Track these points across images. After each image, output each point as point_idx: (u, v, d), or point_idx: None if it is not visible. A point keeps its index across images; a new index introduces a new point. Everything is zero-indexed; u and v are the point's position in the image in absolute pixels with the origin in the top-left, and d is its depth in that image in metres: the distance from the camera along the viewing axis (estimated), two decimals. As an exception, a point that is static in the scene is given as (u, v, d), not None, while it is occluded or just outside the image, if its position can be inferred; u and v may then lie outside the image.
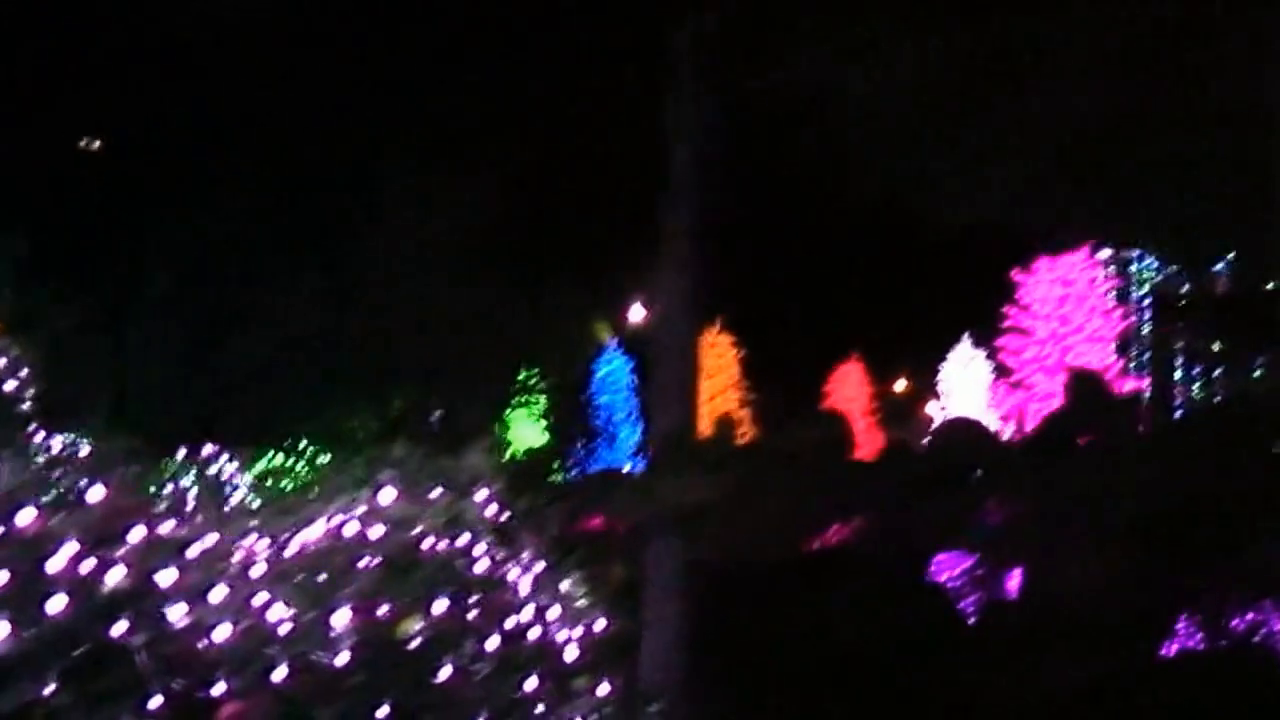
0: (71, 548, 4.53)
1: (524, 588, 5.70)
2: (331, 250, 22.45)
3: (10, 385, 12.51)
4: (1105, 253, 33.66)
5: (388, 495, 5.62)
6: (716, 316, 35.45)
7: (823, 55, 9.13)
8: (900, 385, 41.68)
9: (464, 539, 5.60)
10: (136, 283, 21.12)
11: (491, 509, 5.75)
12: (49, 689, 4.31)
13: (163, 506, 5.64)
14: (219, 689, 4.47)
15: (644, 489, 5.97)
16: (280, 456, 17.62)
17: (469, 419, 26.49)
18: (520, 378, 32.16)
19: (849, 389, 36.98)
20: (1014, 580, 18.89)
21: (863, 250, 29.68)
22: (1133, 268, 34.63)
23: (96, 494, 4.75)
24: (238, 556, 4.93)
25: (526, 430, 32.81)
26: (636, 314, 35.58)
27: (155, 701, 4.41)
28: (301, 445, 18.84)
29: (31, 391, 12.55)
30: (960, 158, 10.09)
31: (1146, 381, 33.83)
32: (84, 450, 11.29)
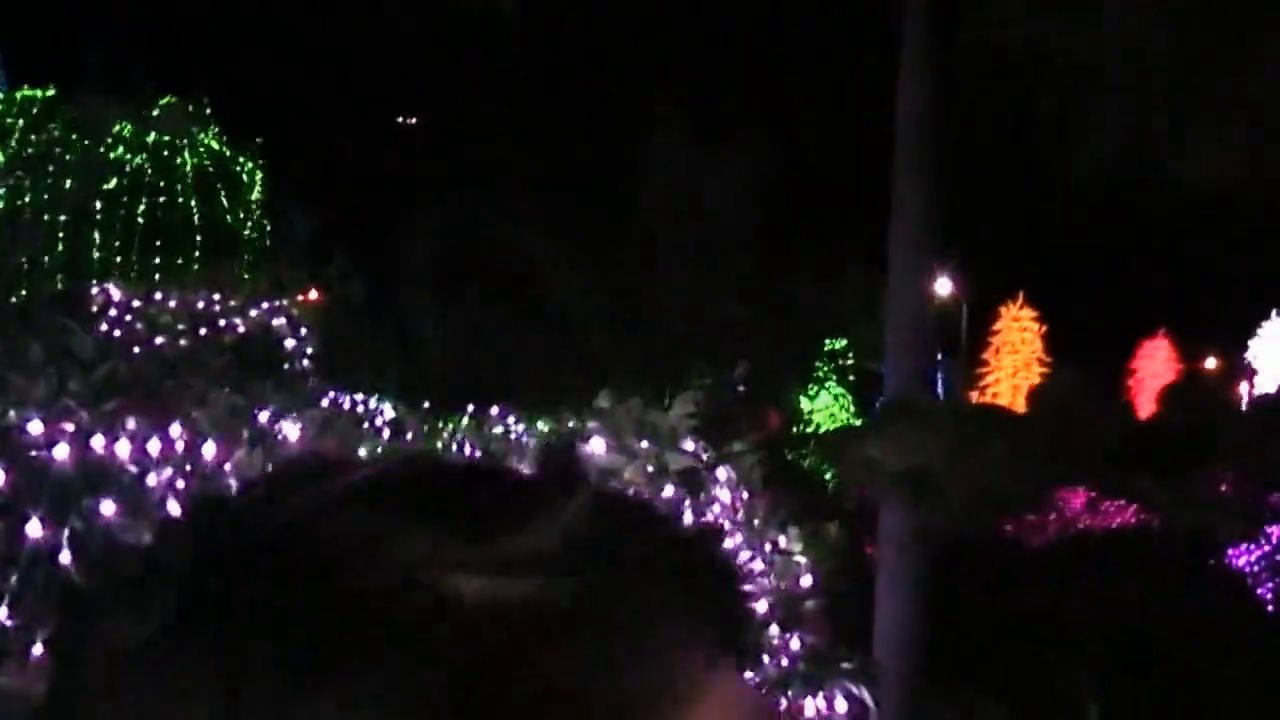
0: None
1: (732, 539, 5.64)
2: (612, 236, 22.70)
3: (290, 343, 13.04)
4: None
5: (597, 445, 5.63)
6: (1019, 291, 34.67)
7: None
8: (1210, 363, 40.08)
9: (668, 490, 5.57)
10: (418, 257, 21.69)
11: (694, 461, 5.69)
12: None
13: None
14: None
15: (862, 449, 5.81)
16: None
17: (766, 392, 26.41)
18: (826, 350, 32.06)
19: (1155, 366, 35.71)
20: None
21: (1170, 224, 28.63)
22: None
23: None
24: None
25: (829, 404, 32.67)
26: (940, 287, 35.08)
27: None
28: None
29: (310, 350, 13.03)
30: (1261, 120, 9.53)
31: None
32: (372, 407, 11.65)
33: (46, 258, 19.84)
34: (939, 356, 34.21)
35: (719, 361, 23.28)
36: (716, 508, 5.81)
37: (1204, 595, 14.94)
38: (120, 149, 21.47)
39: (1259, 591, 18.58)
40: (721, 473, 5.99)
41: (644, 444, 5.73)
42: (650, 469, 5.63)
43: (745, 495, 6.00)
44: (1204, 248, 31.79)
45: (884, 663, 7.20)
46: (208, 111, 22.66)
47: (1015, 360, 34.21)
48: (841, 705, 5.08)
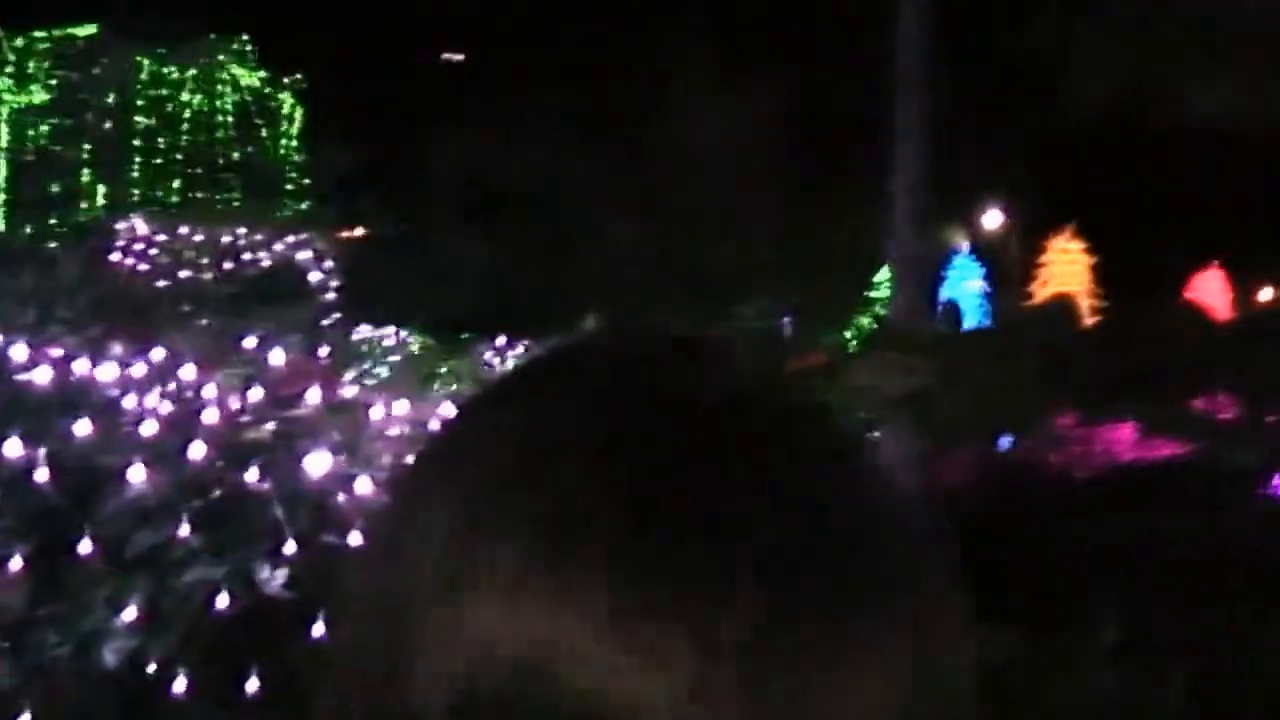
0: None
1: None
2: (649, 167, 22.59)
3: (315, 277, 13.09)
4: None
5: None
6: (1067, 222, 34.29)
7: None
8: (1265, 294, 39.59)
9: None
10: (453, 189, 21.70)
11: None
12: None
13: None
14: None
15: (856, 376, 5.74)
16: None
17: (815, 326, 26.36)
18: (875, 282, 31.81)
19: (1208, 299, 35.24)
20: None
21: (1222, 153, 28.22)
22: None
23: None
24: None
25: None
26: (990, 219, 34.80)
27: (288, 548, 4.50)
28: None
29: (335, 284, 13.09)
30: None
31: None
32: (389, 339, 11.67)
33: (82, 193, 19.94)
34: (983, 288, 33.95)
35: (756, 296, 23.21)
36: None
37: (1240, 525, 14.80)
38: (161, 86, 21.53)
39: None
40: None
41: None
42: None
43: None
44: (1259, 179, 31.38)
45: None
46: (249, 48, 22.66)
47: (1069, 292, 33.94)
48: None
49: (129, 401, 4.92)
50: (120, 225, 12.04)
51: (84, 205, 19.32)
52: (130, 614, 4.34)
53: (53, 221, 18.04)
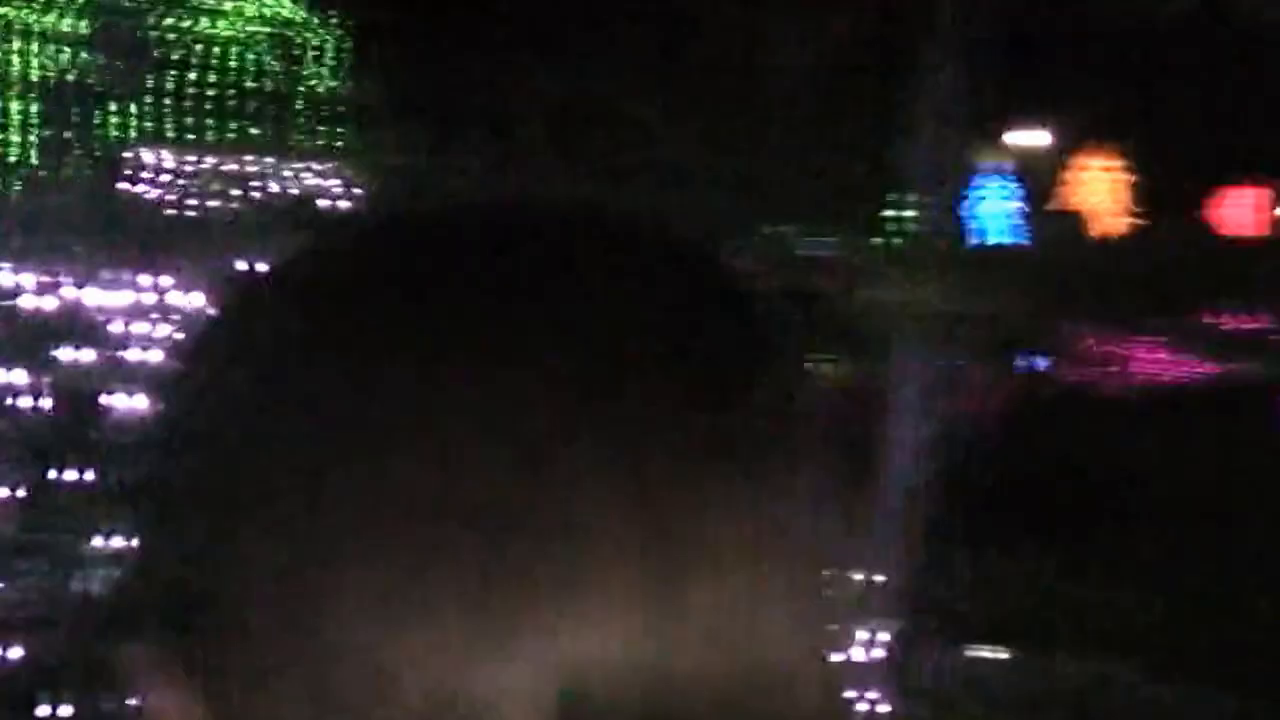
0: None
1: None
2: (719, 97, 22.47)
3: (345, 205, 13.18)
4: None
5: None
6: (1102, 139, 33.95)
7: None
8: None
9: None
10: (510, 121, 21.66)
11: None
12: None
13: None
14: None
15: (871, 292, 5.79)
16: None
17: (853, 245, 26.18)
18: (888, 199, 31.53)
19: (1243, 214, 34.97)
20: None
21: (1254, 69, 27.88)
22: None
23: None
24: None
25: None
26: (1022, 137, 34.44)
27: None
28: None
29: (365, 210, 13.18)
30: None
31: None
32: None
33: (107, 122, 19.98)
34: (1019, 207, 33.81)
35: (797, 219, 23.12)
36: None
37: (1254, 443, 14.78)
38: (195, 18, 21.55)
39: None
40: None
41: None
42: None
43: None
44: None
45: (893, 512, 7.27)
46: (282, -22, 22.62)
47: (1098, 211, 33.67)
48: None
49: (136, 328, 5.03)
50: (146, 155, 12.13)
51: (110, 135, 19.40)
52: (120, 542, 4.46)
53: (77, 151, 18.10)
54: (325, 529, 0.69)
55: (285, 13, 22.25)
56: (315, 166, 13.09)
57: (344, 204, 12.74)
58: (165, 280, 5.12)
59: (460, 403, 0.70)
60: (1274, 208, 36.55)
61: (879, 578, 5.06)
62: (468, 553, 0.68)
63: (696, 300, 0.76)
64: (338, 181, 13.21)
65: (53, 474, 4.59)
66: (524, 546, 0.67)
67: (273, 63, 21.73)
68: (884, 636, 5.17)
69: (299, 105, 21.55)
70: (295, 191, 12.80)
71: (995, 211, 34.56)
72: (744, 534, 0.71)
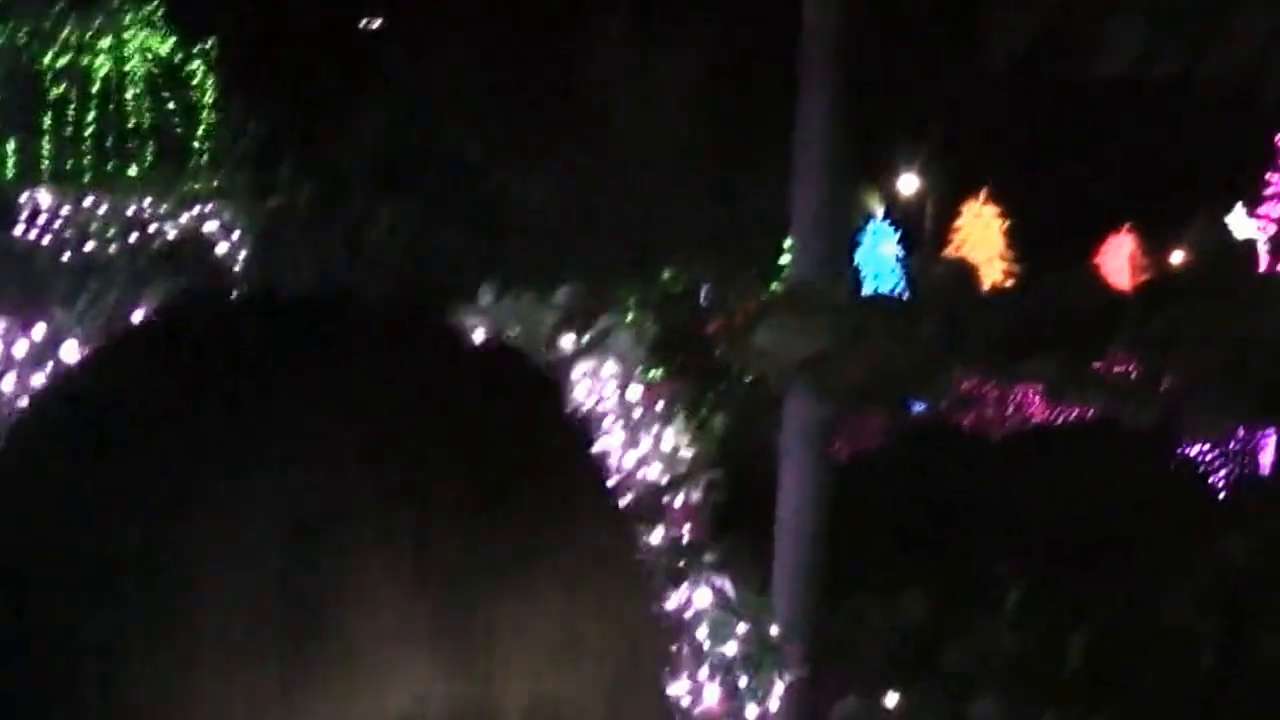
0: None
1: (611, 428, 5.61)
2: (564, 134, 22.59)
3: (224, 248, 13.00)
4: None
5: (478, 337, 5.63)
6: (980, 186, 34.62)
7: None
8: (1177, 257, 39.96)
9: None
10: (367, 157, 21.61)
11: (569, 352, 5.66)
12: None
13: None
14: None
15: (751, 339, 5.78)
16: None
17: (735, 293, 26.39)
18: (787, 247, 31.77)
19: (1120, 261, 35.67)
20: (1267, 454, 18.08)
21: (1132, 116, 28.51)
22: None
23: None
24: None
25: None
26: (905, 185, 34.94)
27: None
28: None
29: (243, 254, 13.01)
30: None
31: None
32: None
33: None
34: (900, 254, 34.15)
35: (674, 260, 23.24)
36: (593, 400, 5.77)
37: (1152, 485, 15.02)
38: (68, 55, 21.22)
39: (1211, 481, 18.67)
40: (607, 365, 5.94)
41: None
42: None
43: (628, 387, 5.95)
44: (1171, 140, 31.72)
45: (786, 559, 7.24)
46: (160, 14, 22.38)
47: (976, 256, 34.21)
48: (704, 597, 5.09)
49: (7, 382, 4.89)
50: (23, 197, 11.88)
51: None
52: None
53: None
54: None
55: (162, 49, 22.01)
56: (196, 208, 12.86)
57: (224, 246, 12.56)
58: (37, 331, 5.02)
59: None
60: (1153, 253, 37.36)
61: (773, 630, 5.01)
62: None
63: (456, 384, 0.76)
64: (217, 223, 13.02)
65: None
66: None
67: (153, 99, 21.47)
68: (778, 688, 5.12)
69: (179, 143, 21.31)
70: (173, 233, 12.59)
71: (880, 258, 35.01)
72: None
